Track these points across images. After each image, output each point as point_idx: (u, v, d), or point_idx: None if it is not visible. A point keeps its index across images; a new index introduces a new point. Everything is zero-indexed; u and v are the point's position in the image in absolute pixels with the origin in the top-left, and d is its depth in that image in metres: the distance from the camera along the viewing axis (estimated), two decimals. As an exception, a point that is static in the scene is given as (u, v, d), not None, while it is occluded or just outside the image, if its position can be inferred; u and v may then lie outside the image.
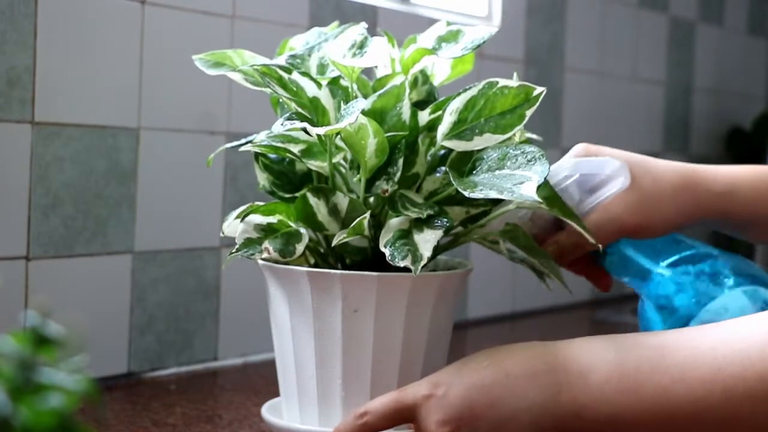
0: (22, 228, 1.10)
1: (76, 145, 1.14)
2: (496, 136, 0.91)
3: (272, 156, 0.97)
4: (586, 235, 0.92)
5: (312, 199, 0.92)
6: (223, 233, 0.96)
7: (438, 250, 0.91)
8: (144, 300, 1.22)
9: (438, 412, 0.83)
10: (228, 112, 1.30)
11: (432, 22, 1.54)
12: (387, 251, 0.87)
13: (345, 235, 0.89)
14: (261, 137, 0.93)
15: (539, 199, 0.84)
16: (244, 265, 1.26)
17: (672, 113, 2.21)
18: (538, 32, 1.82)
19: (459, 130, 0.92)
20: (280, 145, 0.92)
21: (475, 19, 1.73)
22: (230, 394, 1.20)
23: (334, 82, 0.94)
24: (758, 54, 2.54)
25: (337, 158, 0.93)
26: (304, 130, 0.86)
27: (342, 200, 0.92)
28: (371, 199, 0.94)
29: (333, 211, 0.92)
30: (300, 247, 0.91)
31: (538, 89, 0.91)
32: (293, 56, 0.98)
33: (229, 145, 0.98)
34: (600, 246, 0.94)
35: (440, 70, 1.02)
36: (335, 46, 0.94)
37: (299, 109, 0.89)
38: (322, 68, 0.97)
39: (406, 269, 0.87)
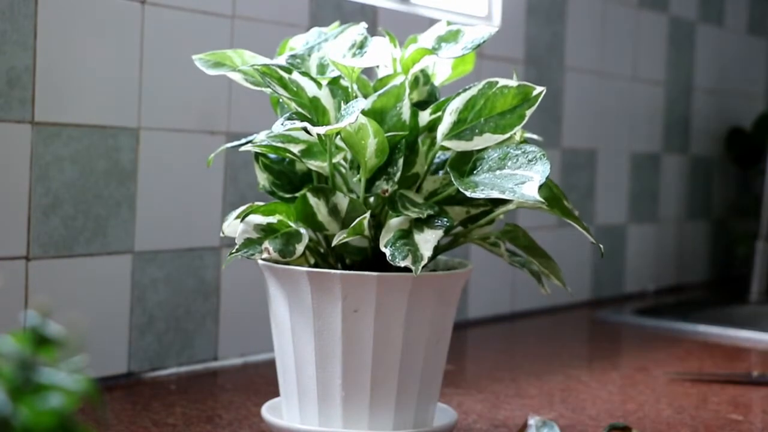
0: (22, 228, 1.10)
1: (76, 145, 1.14)
2: (496, 136, 0.91)
3: (272, 156, 0.97)
4: (587, 236, 0.92)
5: (312, 199, 0.92)
6: (223, 233, 0.96)
7: (438, 250, 0.91)
8: (144, 300, 1.22)
9: None
10: (228, 112, 1.30)
11: (432, 22, 1.54)
12: (387, 251, 0.87)
13: (345, 235, 0.89)
14: (261, 137, 0.92)
15: (541, 199, 0.84)
16: (244, 265, 1.26)
17: (672, 113, 2.21)
18: (538, 32, 1.82)
19: (459, 130, 0.92)
20: (280, 145, 0.92)
21: (475, 19, 1.73)
22: (230, 394, 1.20)
23: (334, 82, 0.94)
24: (758, 54, 2.54)
25: (337, 158, 0.93)
26: (305, 129, 0.86)
27: (342, 200, 0.92)
28: (371, 199, 0.94)
29: (333, 211, 0.92)
30: (300, 247, 0.91)
31: (538, 89, 0.91)
32: (293, 56, 0.98)
33: (229, 145, 0.98)
34: (602, 246, 0.94)
35: (441, 70, 1.02)
36: (335, 46, 0.94)
37: (299, 109, 0.89)
38: (322, 68, 0.97)
39: (406, 269, 0.87)
